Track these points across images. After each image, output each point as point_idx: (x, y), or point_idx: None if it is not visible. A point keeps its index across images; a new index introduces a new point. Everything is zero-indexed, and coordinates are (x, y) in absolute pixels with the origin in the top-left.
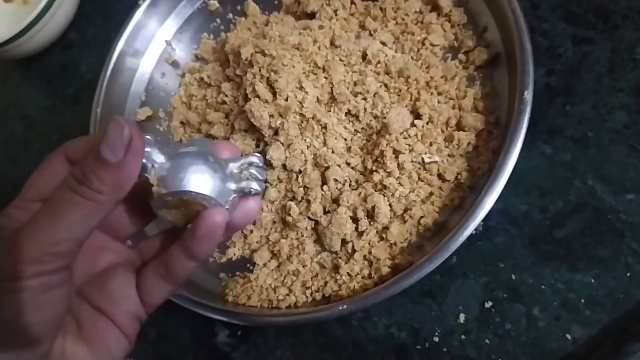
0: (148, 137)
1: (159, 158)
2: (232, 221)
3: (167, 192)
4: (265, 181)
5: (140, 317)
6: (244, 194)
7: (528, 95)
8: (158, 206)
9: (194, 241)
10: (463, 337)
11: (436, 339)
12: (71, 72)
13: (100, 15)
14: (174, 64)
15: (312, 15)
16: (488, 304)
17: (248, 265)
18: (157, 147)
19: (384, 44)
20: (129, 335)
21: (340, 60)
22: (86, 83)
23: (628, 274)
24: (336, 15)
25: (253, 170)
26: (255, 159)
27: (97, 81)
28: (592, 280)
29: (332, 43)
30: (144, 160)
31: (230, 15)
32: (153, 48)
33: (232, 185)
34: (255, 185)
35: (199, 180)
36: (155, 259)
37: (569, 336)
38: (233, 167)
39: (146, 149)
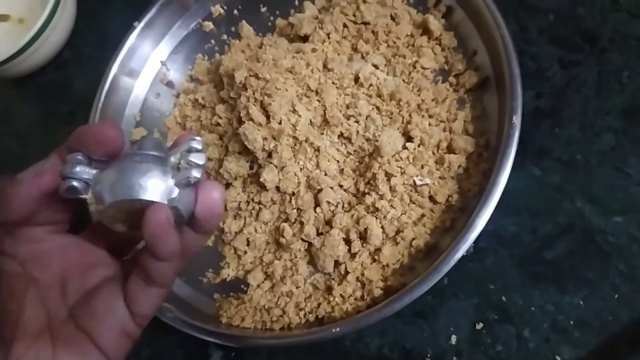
0: (78, 156)
1: (88, 173)
2: (197, 217)
3: (103, 207)
4: (209, 159)
5: (130, 332)
6: (187, 183)
7: (517, 119)
8: (109, 222)
9: (149, 243)
10: (455, 358)
11: None
12: (65, 91)
13: (95, 34)
14: (169, 84)
15: (305, 38)
16: (479, 325)
17: (242, 286)
18: (84, 160)
19: (375, 66)
20: (113, 356)
21: (333, 83)
22: (80, 101)
23: (616, 296)
24: (329, 38)
25: (192, 158)
26: (195, 143)
27: (91, 100)
28: (581, 302)
29: (324, 66)
30: (74, 183)
31: (225, 37)
32: (148, 68)
33: (171, 181)
34: (194, 173)
35: (131, 185)
36: (134, 272)
37: (558, 357)
38: (173, 158)
39: (75, 169)
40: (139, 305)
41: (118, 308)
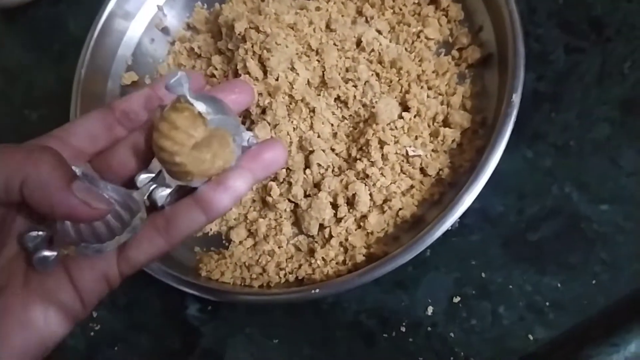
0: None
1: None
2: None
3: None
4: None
5: (111, 279)
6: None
7: (516, 99)
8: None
9: (216, 193)
10: (429, 329)
11: (403, 329)
12: (58, 29)
13: None
14: (165, 30)
15: None
16: (457, 299)
17: (224, 241)
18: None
19: (379, 32)
20: (86, 298)
21: (334, 44)
22: (73, 41)
23: (594, 282)
24: None
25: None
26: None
27: (84, 40)
28: (559, 285)
29: (327, 26)
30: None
31: None
32: (144, 12)
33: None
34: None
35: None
36: (153, 212)
37: (531, 336)
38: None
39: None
40: (136, 252)
41: None
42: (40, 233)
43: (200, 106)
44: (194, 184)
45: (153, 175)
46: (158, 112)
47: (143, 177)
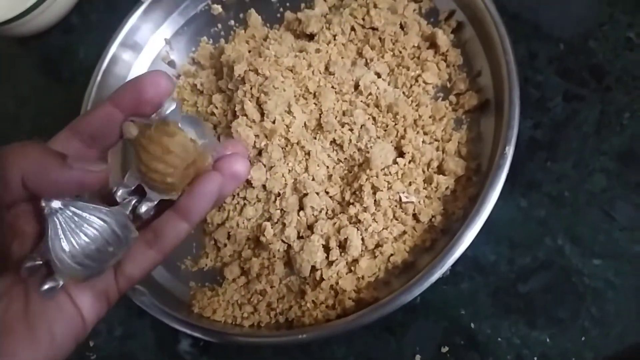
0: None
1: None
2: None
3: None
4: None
5: (109, 295)
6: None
7: (509, 150)
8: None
9: (190, 200)
10: None
11: None
12: (69, 56)
13: (104, 1)
14: (171, 63)
15: (311, 37)
16: (445, 349)
17: (218, 277)
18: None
19: (378, 74)
20: (87, 317)
21: (332, 87)
22: (83, 69)
23: (583, 338)
24: (335, 39)
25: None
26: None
27: (94, 68)
28: (548, 339)
29: (326, 69)
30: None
31: (232, 22)
32: (152, 44)
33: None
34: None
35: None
36: (143, 227)
37: None
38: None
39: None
40: (131, 266)
41: None
42: (37, 262)
43: (191, 133)
44: (175, 197)
45: (131, 189)
46: (134, 129)
47: (122, 192)
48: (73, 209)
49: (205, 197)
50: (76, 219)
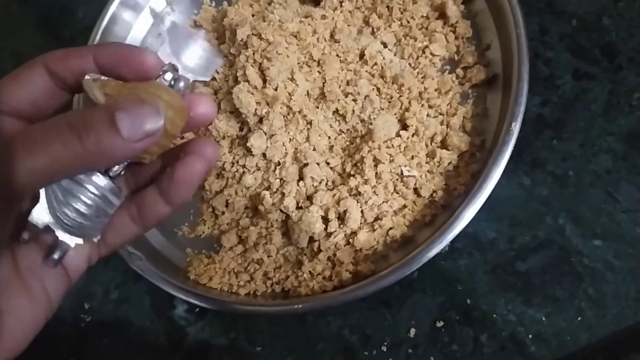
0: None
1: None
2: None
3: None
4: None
5: (92, 257)
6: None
7: (515, 127)
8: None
9: (171, 186)
10: (410, 350)
11: (384, 348)
12: (68, 15)
13: None
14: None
15: (317, 2)
16: (440, 323)
17: (215, 245)
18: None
19: (384, 44)
20: (72, 275)
21: (337, 56)
22: (82, 29)
23: (579, 318)
24: (341, 6)
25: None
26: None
27: (93, 28)
28: (543, 318)
29: (331, 36)
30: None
31: None
32: (153, 5)
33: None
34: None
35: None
36: (127, 198)
37: None
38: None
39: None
40: (113, 237)
41: None
42: (37, 228)
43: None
44: (148, 162)
45: None
46: (100, 95)
47: None
48: (72, 181)
49: (187, 184)
50: (72, 184)
